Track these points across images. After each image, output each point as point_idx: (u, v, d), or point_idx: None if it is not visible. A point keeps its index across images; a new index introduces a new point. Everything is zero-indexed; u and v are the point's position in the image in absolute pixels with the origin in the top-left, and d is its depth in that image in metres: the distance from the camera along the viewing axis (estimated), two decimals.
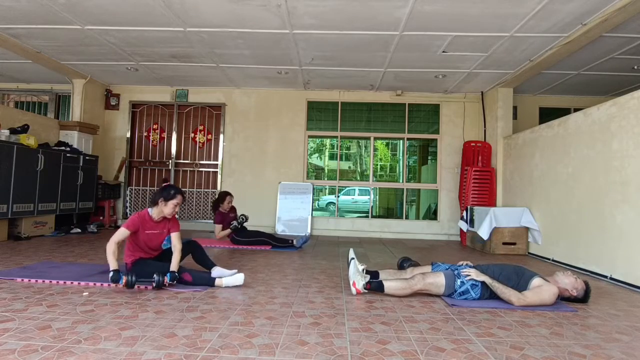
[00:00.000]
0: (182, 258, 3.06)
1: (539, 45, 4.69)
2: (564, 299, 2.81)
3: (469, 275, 2.76)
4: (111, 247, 2.82)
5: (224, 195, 5.18)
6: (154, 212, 3.02)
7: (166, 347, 1.82)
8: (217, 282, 2.97)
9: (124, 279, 2.73)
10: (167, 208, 2.99)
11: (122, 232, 2.89)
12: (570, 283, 2.77)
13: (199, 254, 3.28)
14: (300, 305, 2.59)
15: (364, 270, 2.94)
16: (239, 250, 4.80)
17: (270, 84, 6.90)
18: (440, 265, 3.05)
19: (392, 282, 2.81)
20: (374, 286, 2.82)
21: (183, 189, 7.25)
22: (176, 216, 3.10)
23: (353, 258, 2.99)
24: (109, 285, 2.87)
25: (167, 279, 2.80)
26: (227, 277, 3.03)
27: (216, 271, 3.14)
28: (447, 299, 2.78)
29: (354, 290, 2.84)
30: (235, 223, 5.09)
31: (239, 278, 3.01)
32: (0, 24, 4.59)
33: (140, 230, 2.96)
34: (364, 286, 2.81)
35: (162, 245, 3.14)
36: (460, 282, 2.77)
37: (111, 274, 2.76)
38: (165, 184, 3.17)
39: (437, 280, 2.78)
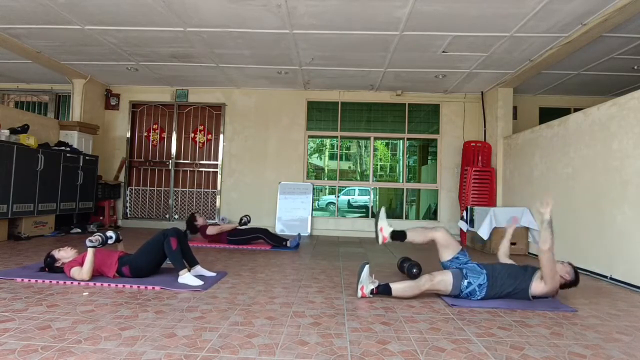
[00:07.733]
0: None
1: (539, 45, 4.69)
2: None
3: (548, 205, 2.67)
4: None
5: (191, 217, 5.09)
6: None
7: (166, 347, 1.82)
8: (181, 273, 2.99)
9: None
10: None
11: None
12: (563, 269, 2.89)
13: (186, 246, 3.25)
14: (300, 305, 2.59)
15: (390, 233, 2.98)
16: (239, 250, 4.80)
17: (270, 84, 6.90)
18: (465, 255, 2.96)
19: (399, 284, 2.81)
20: (381, 290, 2.80)
21: (183, 189, 7.26)
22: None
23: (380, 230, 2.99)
24: (109, 285, 2.87)
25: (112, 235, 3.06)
26: (188, 274, 2.99)
27: (196, 270, 3.21)
28: (447, 298, 2.78)
29: (359, 294, 2.80)
30: (245, 219, 5.20)
31: (191, 279, 2.97)
32: (0, 24, 4.59)
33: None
34: (371, 291, 2.80)
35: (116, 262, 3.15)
36: (467, 282, 2.76)
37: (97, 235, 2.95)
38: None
39: (446, 279, 2.77)
